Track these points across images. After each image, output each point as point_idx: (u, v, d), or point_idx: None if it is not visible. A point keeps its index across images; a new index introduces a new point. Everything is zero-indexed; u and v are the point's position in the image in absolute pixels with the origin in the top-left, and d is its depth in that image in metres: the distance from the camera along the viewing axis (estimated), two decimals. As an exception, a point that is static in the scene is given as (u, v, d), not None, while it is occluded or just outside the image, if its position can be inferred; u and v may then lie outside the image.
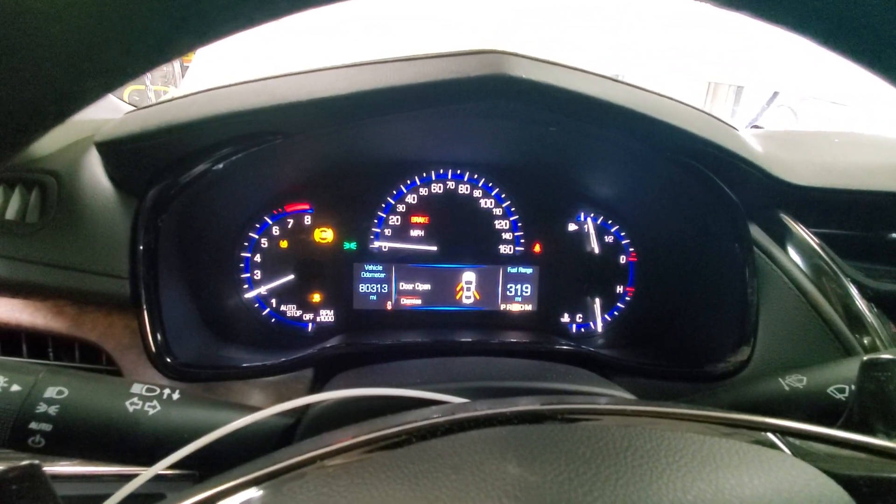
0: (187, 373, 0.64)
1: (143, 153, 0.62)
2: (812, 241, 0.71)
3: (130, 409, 0.40)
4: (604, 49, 1.40)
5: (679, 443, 0.28)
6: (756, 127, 1.31)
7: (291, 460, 0.29)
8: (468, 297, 0.90)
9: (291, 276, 0.87)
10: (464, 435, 0.30)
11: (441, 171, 0.88)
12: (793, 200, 0.72)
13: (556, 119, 0.68)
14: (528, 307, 0.92)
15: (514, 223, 0.90)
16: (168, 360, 0.63)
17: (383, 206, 0.87)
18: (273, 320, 0.88)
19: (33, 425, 0.37)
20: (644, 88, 0.65)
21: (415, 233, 0.89)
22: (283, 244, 0.86)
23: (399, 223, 0.88)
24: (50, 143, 0.66)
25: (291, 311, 0.88)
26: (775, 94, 1.43)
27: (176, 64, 2.46)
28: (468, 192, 0.89)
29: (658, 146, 0.68)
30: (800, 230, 0.71)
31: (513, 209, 0.90)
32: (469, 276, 0.90)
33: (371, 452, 0.30)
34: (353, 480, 0.26)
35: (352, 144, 0.78)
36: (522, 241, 0.91)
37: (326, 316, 0.89)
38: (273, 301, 0.87)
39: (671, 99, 0.66)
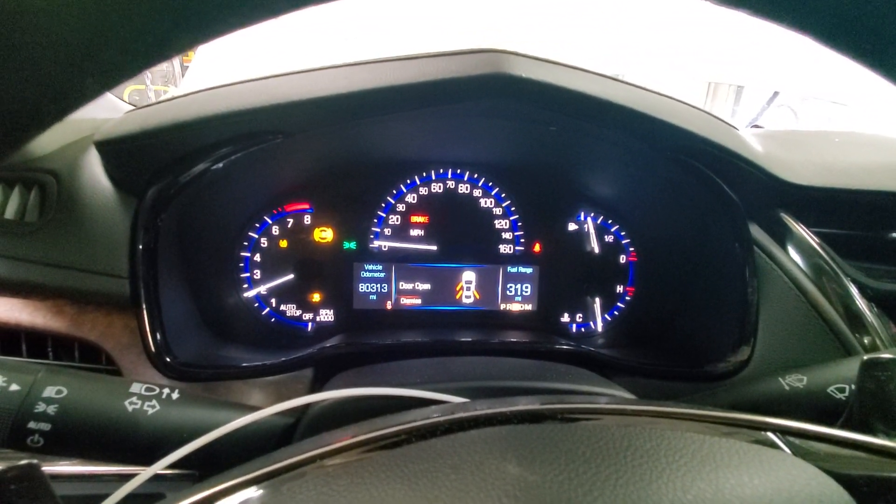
0: (187, 372, 0.64)
1: (142, 152, 0.62)
2: (812, 240, 0.71)
3: (130, 408, 0.40)
4: (604, 48, 1.40)
5: (679, 442, 0.28)
6: (756, 126, 1.31)
7: (291, 460, 0.29)
8: (468, 297, 0.90)
9: (291, 276, 0.87)
10: (463, 435, 0.30)
11: (441, 171, 0.88)
12: (793, 200, 0.72)
13: (556, 118, 0.68)
14: (528, 307, 0.91)
15: (514, 223, 0.90)
16: (168, 359, 0.63)
17: (383, 205, 0.87)
18: (273, 320, 0.87)
19: (32, 425, 0.37)
20: (644, 88, 0.65)
21: (415, 232, 0.89)
22: (283, 244, 0.86)
23: (399, 223, 0.88)
24: (49, 142, 0.65)
25: (291, 310, 0.88)
26: (775, 93, 1.43)
27: (176, 63, 2.46)
28: (468, 191, 0.89)
29: (658, 145, 0.68)
30: (800, 230, 0.71)
31: (513, 209, 0.90)
32: (469, 276, 0.90)
33: (370, 452, 0.30)
34: (352, 480, 0.26)
35: (352, 144, 0.78)
36: (522, 240, 0.90)
37: (326, 315, 0.89)
38: (273, 300, 0.87)
39: (671, 98, 0.66)
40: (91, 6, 0.16)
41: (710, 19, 1.39)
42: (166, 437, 0.40)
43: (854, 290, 0.68)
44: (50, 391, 0.38)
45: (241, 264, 0.85)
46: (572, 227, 0.91)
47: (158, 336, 0.63)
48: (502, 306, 0.91)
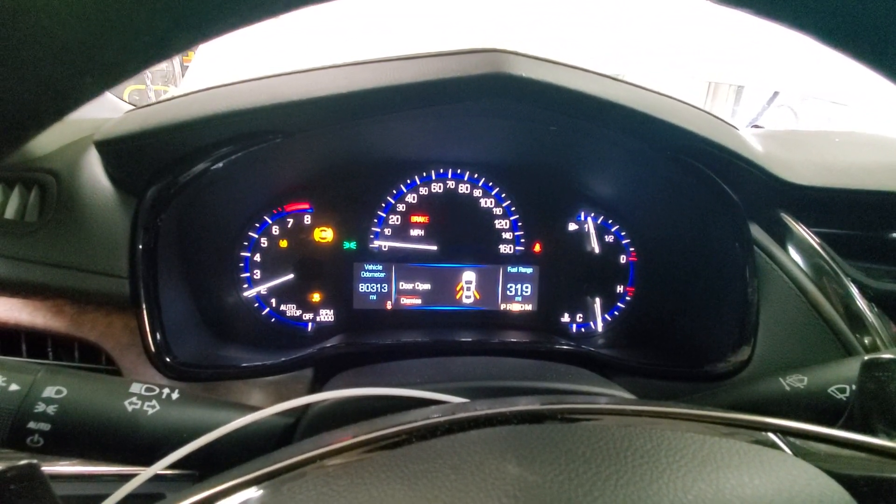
0: (187, 372, 0.64)
1: (142, 152, 0.62)
2: (812, 240, 0.71)
3: (129, 408, 0.40)
4: (604, 48, 1.40)
5: (679, 443, 0.28)
6: (756, 126, 1.31)
7: (291, 460, 0.29)
8: (468, 297, 0.90)
9: (291, 276, 0.87)
10: (463, 435, 0.30)
11: (441, 171, 0.88)
12: (793, 200, 0.72)
13: (556, 118, 0.68)
14: (528, 307, 0.91)
15: (514, 223, 0.90)
16: (167, 359, 0.62)
17: (383, 205, 0.87)
18: (273, 320, 0.87)
19: (32, 425, 0.37)
20: (644, 87, 0.65)
21: (415, 232, 0.89)
22: (283, 243, 0.86)
23: (399, 223, 0.88)
24: (49, 142, 0.65)
25: (291, 310, 0.88)
26: (775, 93, 1.43)
27: (176, 63, 2.46)
28: (468, 191, 0.89)
29: (658, 145, 0.68)
30: (800, 230, 0.71)
31: (513, 209, 0.90)
32: (469, 276, 0.90)
33: (371, 452, 0.30)
34: (352, 480, 0.26)
35: (352, 144, 0.78)
36: (522, 240, 0.90)
37: (326, 315, 0.89)
38: (273, 300, 0.87)
39: (671, 98, 0.66)
40: (90, 6, 0.16)
41: (710, 19, 1.39)
42: (166, 437, 0.40)
43: (854, 290, 0.68)
44: (50, 391, 0.38)
45: (241, 264, 0.85)
46: (572, 227, 0.91)
47: (158, 336, 0.63)
48: (502, 306, 0.91)
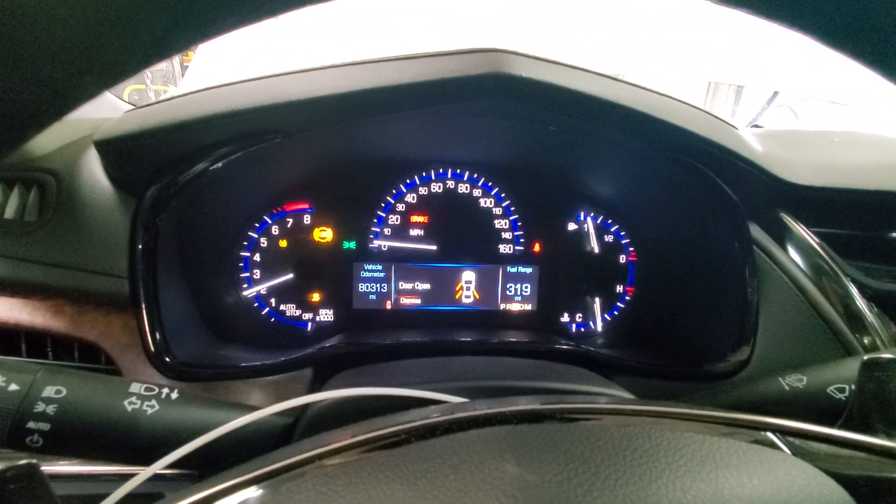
0: (186, 372, 0.64)
1: (142, 152, 0.62)
2: (812, 240, 0.71)
3: (129, 408, 0.40)
4: (604, 47, 1.40)
5: (679, 442, 0.28)
6: (756, 126, 1.31)
7: (290, 460, 0.29)
8: (468, 297, 0.90)
9: (291, 276, 0.87)
10: (463, 435, 0.30)
11: (441, 171, 0.88)
12: (793, 200, 0.72)
13: (555, 118, 0.68)
14: (528, 307, 0.91)
15: (513, 222, 0.90)
16: (167, 359, 0.62)
17: (383, 205, 0.87)
18: (272, 320, 0.87)
19: (31, 424, 0.37)
20: (644, 87, 0.65)
21: (414, 232, 0.89)
22: (283, 243, 0.86)
23: (399, 222, 0.88)
24: (48, 141, 0.65)
25: (291, 310, 0.88)
26: (775, 93, 1.43)
27: (176, 63, 2.46)
28: (468, 191, 0.89)
29: (658, 145, 0.68)
30: (800, 230, 0.71)
31: (512, 208, 0.90)
32: (469, 276, 0.90)
33: (370, 452, 0.30)
34: (351, 480, 0.26)
35: (351, 144, 0.78)
36: (522, 240, 0.90)
37: (326, 315, 0.89)
38: (272, 300, 0.87)
39: (671, 98, 0.66)
40: (90, 6, 0.16)
41: (711, 19, 1.39)
42: (166, 436, 0.40)
43: (854, 290, 0.68)
44: (49, 391, 0.38)
45: (241, 264, 0.85)
46: (572, 226, 0.91)
47: (158, 336, 0.63)
48: (502, 306, 0.91)
